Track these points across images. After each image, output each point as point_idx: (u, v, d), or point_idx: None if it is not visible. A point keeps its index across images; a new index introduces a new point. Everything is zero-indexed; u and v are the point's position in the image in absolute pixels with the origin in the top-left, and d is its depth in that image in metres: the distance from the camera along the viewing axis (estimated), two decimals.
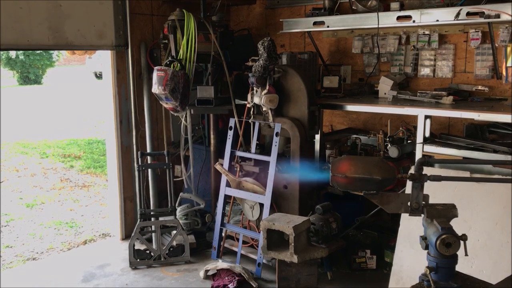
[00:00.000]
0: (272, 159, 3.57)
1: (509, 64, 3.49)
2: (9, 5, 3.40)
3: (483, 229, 2.81)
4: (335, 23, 3.96)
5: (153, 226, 3.97)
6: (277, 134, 3.57)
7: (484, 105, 3.27)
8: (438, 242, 1.65)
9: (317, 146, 3.78)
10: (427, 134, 3.19)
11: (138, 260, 3.83)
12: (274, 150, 3.57)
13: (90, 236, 4.54)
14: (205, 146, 4.41)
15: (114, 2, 4.03)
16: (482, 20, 3.17)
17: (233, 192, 3.81)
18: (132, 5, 4.14)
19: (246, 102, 3.77)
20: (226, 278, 3.45)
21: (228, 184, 3.83)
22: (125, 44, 4.14)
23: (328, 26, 4.00)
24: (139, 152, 4.03)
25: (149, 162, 4.20)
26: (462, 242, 1.66)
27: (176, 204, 4.11)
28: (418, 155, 3.17)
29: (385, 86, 3.78)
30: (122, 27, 4.10)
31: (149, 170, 4.21)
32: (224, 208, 3.88)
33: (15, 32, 3.45)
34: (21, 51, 18.87)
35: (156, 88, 3.68)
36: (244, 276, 3.43)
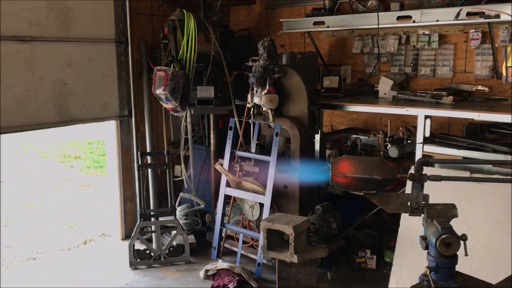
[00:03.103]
0: (272, 159, 3.57)
1: (509, 64, 3.49)
2: (17, 89, 3.46)
3: (483, 229, 2.81)
4: (335, 23, 3.96)
5: (153, 226, 3.97)
6: (277, 134, 3.57)
7: (484, 105, 3.27)
8: (438, 242, 1.64)
9: (317, 146, 3.78)
10: (427, 134, 3.19)
11: (138, 260, 3.83)
12: (274, 150, 3.57)
13: (90, 236, 4.54)
14: (205, 146, 4.41)
15: (118, 74, 4.10)
16: (482, 20, 3.17)
17: (233, 192, 3.81)
18: (132, 5, 4.14)
19: (246, 102, 3.77)
20: (226, 278, 3.45)
21: (228, 184, 3.83)
22: (129, 113, 4.21)
23: (328, 26, 4.00)
24: (139, 152, 4.03)
25: (149, 162, 4.20)
26: (462, 242, 1.65)
27: (176, 204, 4.11)
28: (418, 155, 3.17)
29: (385, 86, 3.79)
30: (126, 97, 4.17)
31: (149, 170, 4.21)
32: (224, 208, 3.88)
33: (22, 113, 3.51)
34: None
35: (156, 89, 3.69)
36: (244, 276, 3.43)
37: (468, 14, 3.21)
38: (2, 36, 3.33)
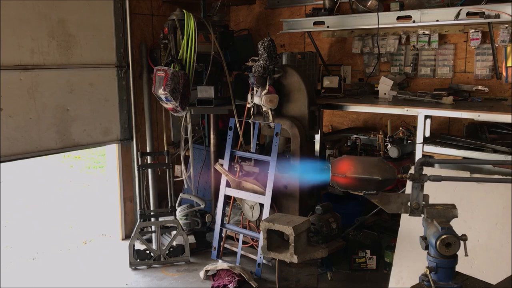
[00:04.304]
0: (272, 159, 3.57)
1: (509, 64, 3.49)
2: (19, 117, 3.50)
3: (483, 229, 2.81)
4: (335, 23, 3.96)
5: (153, 226, 3.97)
6: (277, 134, 3.57)
7: (484, 105, 3.27)
8: (438, 242, 1.64)
9: (317, 146, 3.78)
10: (427, 134, 3.19)
11: (138, 260, 3.83)
12: (274, 150, 3.57)
13: (90, 236, 4.54)
14: (205, 146, 4.41)
15: (119, 98, 4.14)
16: (482, 20, 3.17)
17: (233, 192, 3.81)
18: (132, 5, 4.14)
19: (246, 102, 3.77)
20: (226, 278, 3.45)
21: (228, 184, 3.83)
22: (130, 136, 4.25)
23: (328, 26, 4.00)
24: (139, 152, 4.03)
25: (149, 162, 4.20)
26: (462, 242, 1.65)
27: (176, 204, 4.10)
28: (418, 155, 3.17)
29: (385, 86, 3.78)
30: (127, 121, 4.21)
31: (149, 170, 4.21)
32: (224, 208, 3.88)
33: (24, 141, 3.54)
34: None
35: (156, 89, 3.69)
36: (244, 276, 3.43)
37: (468, 14, 3.21)
38: (6, 65, 3.38)
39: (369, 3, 3.82)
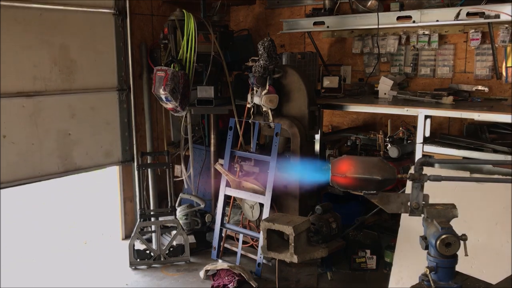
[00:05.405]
0: (272, 159, 3.57)
1: (509, 64, 3.49)
2: (22, 143, 3.52)
3: (483, 229, 2.81)
4: (335, 23, 3.96)
5: (153, 226, 3.97)
6: (277, 134, 3.57)
7: (484, 105, 3.27)
8: (438, 242, 1.64)
9: (317, 146, 3.78)
10: (427, 134, 3.19)
11: (138, 260, 3.83)
12: (274, 150, 3.57)
13: (90, 236, 4.54)
14: (205, 146, 4.41)
15: (120, 121, 4.16)
16: (482, 20, 3.17)
17: (233, 192, 3.81)
18: (132, 5, 4.14)
19: (246, 102, 3.77)
20: (226, 278, 3.45)
21: (228, 184, 3.83)
22: (131, 158, 4.25)
23: (328, 26, 4.00)
24: (139, 152, 4.03)
25: (149, 162, 4.20)
26: (462, 242, 1.65)
27: (176, 204, 4.10)
28: (418, 155, 3.17)
29: (385, 86, 3.79)
30: (128, 143, 4.22)
31: (149, 170, 4.21)
32: (224, 208, 3.88)
33: (26, 166, 3.57)
34: None
35: (156, 89, 3.69)
36: (244, 276, 3.43)
37: (468, 14, 3.21)
38: (8, 93, 3.41)
39: (369, 3, 3.82)
